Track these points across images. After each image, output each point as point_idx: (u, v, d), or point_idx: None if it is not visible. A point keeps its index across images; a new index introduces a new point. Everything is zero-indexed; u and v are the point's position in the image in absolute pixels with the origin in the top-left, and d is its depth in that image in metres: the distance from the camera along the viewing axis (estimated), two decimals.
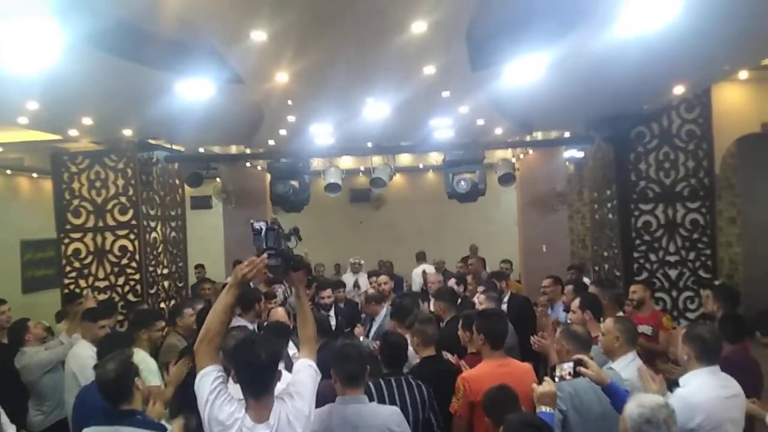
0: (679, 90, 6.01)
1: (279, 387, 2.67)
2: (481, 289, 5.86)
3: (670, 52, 4.42)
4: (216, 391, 2.49)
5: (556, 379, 3.05)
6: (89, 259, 6.93)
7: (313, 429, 2.97)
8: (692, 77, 5.67)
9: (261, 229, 2.88)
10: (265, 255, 2.74)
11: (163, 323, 5.45)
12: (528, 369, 3.74)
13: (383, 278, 6.79)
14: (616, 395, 3.01)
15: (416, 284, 9.57)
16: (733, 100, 6.72)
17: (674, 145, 6.69)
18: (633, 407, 2.47)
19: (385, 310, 5.90)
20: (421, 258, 10.70)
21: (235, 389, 2.61)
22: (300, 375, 2.74)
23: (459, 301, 6.06)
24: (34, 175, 10.13)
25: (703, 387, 3.14)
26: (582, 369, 3.03)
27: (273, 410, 2.55)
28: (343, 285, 7.42)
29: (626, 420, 2.45)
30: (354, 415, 3.10)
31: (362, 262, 9.59)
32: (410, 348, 4.38)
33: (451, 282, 7.07)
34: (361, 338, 5.48)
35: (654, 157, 6.72)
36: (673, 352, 4.25)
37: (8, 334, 5.13)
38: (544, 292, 6.19)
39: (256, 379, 2.53)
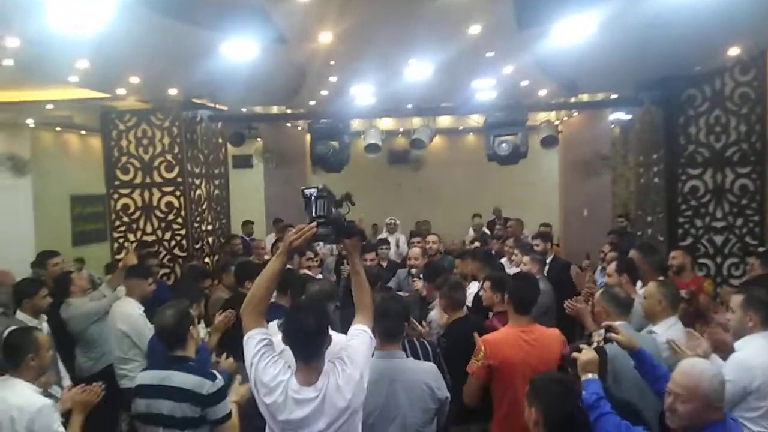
0: (734, 51, 5.78)
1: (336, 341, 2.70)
2: (517, 251, 5.91)
3: (726, 11, 4.24)
4: (260, 354, 2.55)
5: (594, 345, 3.04)
6: (137, 215, 7.15)
7: None
8: (748, 38, 5.45)
9: (312, 196, 2.80)
10: (314, 223, 2.71)
11: (209, 280, 5.64)
12: (554, 336, 3.63)
13: (432, 237, 6.89)
14: (644, 361, 3.02)
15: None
16: None
17: (726, 109, 6.47)
18: (711, 380, 2.46)
19: None
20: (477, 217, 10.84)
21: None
22: (354, 341, 2.73)
23: None
24: (83, 132, 10.40)
25: (761, 350, 3.16)
26: (611, 335, 3.03)
27: (322, 374, 2.56)
28: (387, 243, 7.50)
29: (709, 392, 2.44)
30: (391, 369, 3.18)
31: (398, 222, 9.64)
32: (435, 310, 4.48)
33: (476, 243, 7.14)
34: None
35: (705, 120, 6.51)
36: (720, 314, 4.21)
37: (54, 285, 5.27)
38: (603, 258, 6.17)
39: (305, 345, 2.56)
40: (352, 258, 2.92)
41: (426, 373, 3.26)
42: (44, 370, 3.39)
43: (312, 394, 2.52)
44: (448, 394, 3.31)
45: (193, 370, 3.12)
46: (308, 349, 2.56)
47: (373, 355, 3.30)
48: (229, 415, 3.10)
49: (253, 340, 2.58)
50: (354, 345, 2.70)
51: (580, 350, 2.92)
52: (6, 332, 3.49)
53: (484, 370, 3.48)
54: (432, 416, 3.23)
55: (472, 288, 5.26)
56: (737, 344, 3.33)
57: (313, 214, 2.76)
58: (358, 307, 2.86)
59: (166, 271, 6.99)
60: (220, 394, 3.07)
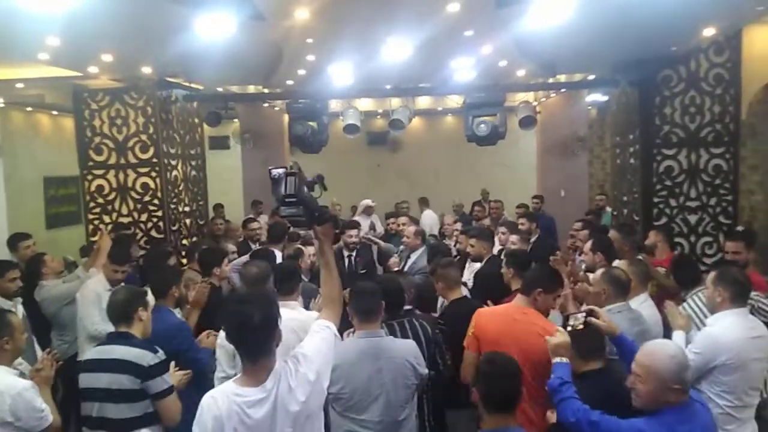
0: (709, 32, 5.84)
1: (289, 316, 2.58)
2: (502, 229, 5.96)
3: None
4: None
5: (569, 329, 3.02)
6: (112, 196, 7.04)
7: (336, 363, 3.02)
8: (723, 18, 5.51)
9: (279, 176, 2.55)
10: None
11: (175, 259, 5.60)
12: (547, 330, 3.24)
13: (402, 219, 6.91)
14: (624, 346, 3.03)
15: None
16: (764, 44, 6.48)
17: (701, 90, 6.54)
18: (667, 361, 2.46)
19: (422, 249, 6.09)
20: (424, 203, 10.82)
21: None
22: (313, 337, 2.48)
23: None
24: (54, 112, 10.18)
25: (731, 327, 3.25)
26: (592, 319, 3.02)
27: (272, 373, 2.28)
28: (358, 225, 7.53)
29: (664, 373, 2.44)
30: (373, 347, 3.18)
31: (374, 204, 9.67)
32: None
33: (457, 225, 7.19)
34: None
35: (680, 101, 6.58)
36: None
37: (25, 268, 5.21)
38: (572, 235, 6.22)
39: (250, 342, 2.26)
40: (322, 246, 2.66)
41: (406, 349, 3.28)
42: (19, 353, 3.35)
43: (260, 395, 2.24)
44: (427, 371, 3.33)
45: (134, 343, 3.16)
46: (254, 347, 2.26)
47: (346, 336, 3.30)
48: (170, 390, 3.12)
49: None
50: (312, 342, 2.46)
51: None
52: None
53: (472, 341, 3.47)
54: (413, 392, 3.26)
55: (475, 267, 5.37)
56: (709, 320, 3.43)
57: (283, 192, 2.53)
58: (325, 301, 2.67)
59: (143, 253, 6.91)
60: (161, 367, 3.11)
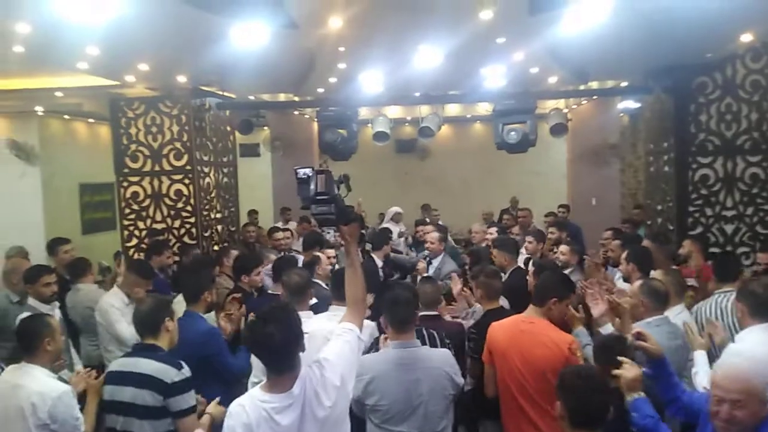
0: (746, 38, 5.73)
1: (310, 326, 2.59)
2: (529, 238, 5.90)
3: None
4: None
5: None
6: (147, 203, 7.17)
7: (372, 375, 3.03)
8: (761, 24, 5.39)
9: (307, 176, 2.58)
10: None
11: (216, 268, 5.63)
12: (557, 336, 3.34)
13: (429, 227, 6.92)
14: (663, 368, 2.88)
15: None
16: None
17: (737, 97, 6.41)
18: (760, 376, 2.38)
19: (443, 255, 6.13)
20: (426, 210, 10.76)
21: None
22: (336, 341, 2.48)
23: None
24: (91, 120, 10.41)
25: (757, 343, 3.14)
26: (641, 343, 2.85)
27: (299, 380, 2.31)
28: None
29: (762, 389, 2.34)
30: (409, 358, 3.15)
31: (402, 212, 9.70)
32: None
33: (491, 229, 7.15)
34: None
35: (716, 108, 6.47)
36: None
37: (67, 272, 5.26)
38: (603, 244, 6.12)
39: (273, 360, 2.31)
40: (348, 247, 2.62)
41: (443, 359, 3.26)
42: (59, 355, 3.39)
43: (287, 401, 2.28)
44: (463, 380, 3.32)
45: (159, 357, 3.08)
46: (278, 363, 2.31)
47: (374, 346, 3.30)
48: (193, 409, 3.02)
49: None
50: (335, 346, 2.46)
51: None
52: (18, 320, 3.52)
53: (486, 354, 3.51)
54: (450, 402, 3.23)
55: None
56: (737, 336, 3.36)
57: (315, 190, 2.55)
58: (349, 303, 2.63)
59: (176, 259, 7.00)
60: (185, 385, 3.01)
